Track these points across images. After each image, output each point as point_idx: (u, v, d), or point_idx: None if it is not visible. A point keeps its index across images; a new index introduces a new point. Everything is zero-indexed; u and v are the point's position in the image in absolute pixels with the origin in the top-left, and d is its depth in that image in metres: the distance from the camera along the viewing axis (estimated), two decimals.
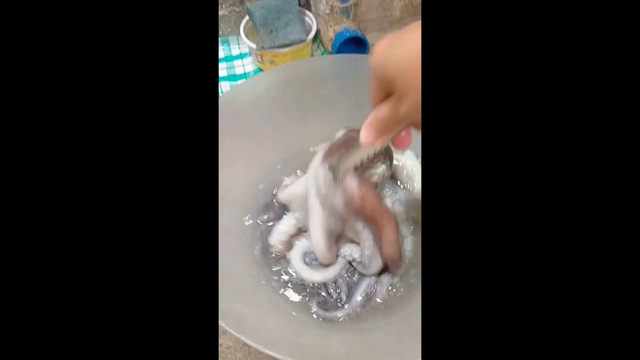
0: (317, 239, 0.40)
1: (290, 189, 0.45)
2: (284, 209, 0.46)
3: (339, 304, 0.40)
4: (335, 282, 0.42)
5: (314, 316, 0.40)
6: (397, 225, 0.39)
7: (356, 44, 0.56)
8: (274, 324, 0.39)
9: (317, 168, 0.39)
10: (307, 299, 0.41)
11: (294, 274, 0.42)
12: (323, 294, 0.41)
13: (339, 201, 0.38)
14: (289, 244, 0.44)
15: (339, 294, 0.41)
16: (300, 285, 0.42)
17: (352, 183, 0.38)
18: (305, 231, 0.43)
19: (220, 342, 0.47)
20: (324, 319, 0.39)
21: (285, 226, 0.44)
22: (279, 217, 0.45)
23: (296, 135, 0.51)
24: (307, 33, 0.54)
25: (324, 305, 0.40)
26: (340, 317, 0.39)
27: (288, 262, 0.43)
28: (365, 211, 0.38)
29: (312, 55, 0.58)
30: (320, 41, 0.59)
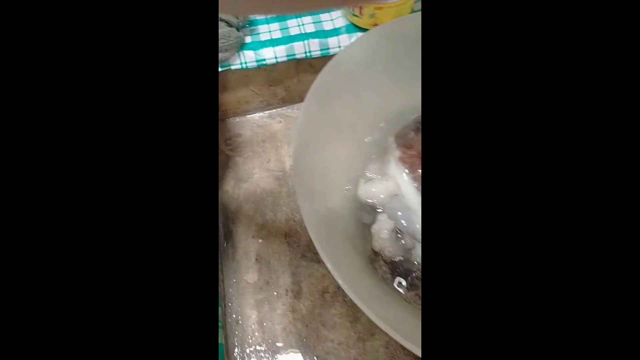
0: None
1: (372, 187, 0.41)
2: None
3: None
4: None
5: None
6: None
7: None
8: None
9: (400, 175, 0.40)
10: None
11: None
12: None
13: None
14: (399, 244, 0.38)
15: None
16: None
17: None
18: (405, 230, 0.39)
19: (331, 338, 0.42)
20: None
21: (383, 229, 0.39)
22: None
23: (402, 95, 0.46)
24: None
25: None
26: None
27: (412, 260, 0.38)
28: None
29: (412, 8, 0.50)
30: None
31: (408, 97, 0.47)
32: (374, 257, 0.38)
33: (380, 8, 0.46)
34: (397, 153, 0.42)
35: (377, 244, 0.38)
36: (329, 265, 0.30)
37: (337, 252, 0.34)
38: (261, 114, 0.56)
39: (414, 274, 0.37)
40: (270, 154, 0.54)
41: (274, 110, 0.57)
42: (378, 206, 0.41)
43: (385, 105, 0.46)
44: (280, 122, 0.56)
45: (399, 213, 0.39)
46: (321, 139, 0.39)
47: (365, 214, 0.41)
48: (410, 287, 0.37)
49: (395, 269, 0.37)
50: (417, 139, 0.42)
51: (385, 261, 0.38)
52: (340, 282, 0.29)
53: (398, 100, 0.46)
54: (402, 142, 0.43)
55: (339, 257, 0.34)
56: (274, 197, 0.51)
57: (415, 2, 0.51)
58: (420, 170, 0.40)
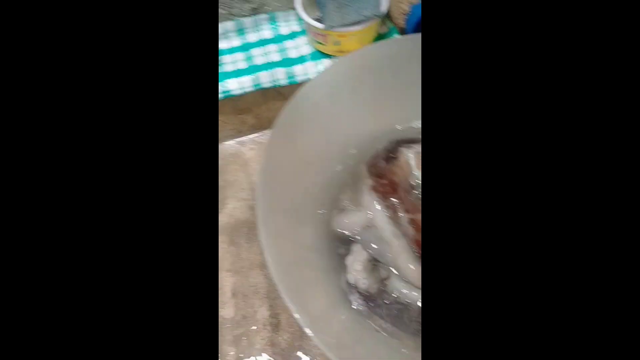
0: (406, 268, 0.37)
1: (345, 219, 0.42)
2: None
3: None
4: None
5: None
6: None
7: None
8: None
9: (373, 205, 0.40)
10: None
11: (397, 297, 0.37)
12: None
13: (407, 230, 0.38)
14: (374, 276, 0.38)
15: None
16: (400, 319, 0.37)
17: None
18: (379, 261, 0.39)
19: None
20: None
21: (357, 260, 0.39)
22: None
23: (371, 121, 0.47)
24: (378, 6, 0.47)
25: None
26: None
27: (387, 291, 0.38)
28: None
29: (378, 32, 0.50)
30: (389, 15, 0.51)
31: (377, 123, 0.47)
32: (348, 289, 0.38)
33: (344, 36, 0.46)
34: (369, 182, 0.42)
35: (352, 276, 0.38)
36: (292, 309, 0.30)
37: (305, 290, 0.34)
38: (231, 142, 0.56)
39: (389, 305, 0.37)
40: (243, 183, 0.53)
41: (245, 137, 0.56)
42: (352, 237, 0.40)
43: (355, 132, 0.46)
44: (252, 149, 0.55)
45: (373, 245, 0.39)
46: (288, 173, 0.39)
47: (339, 244, 0.41)
48: (385, 318, 0.37)
49: (371, 300, 0.37)
50: (388, 168, 0.43)
51: (360, 293, 0.38)
52: (303, 325, 0.29)
53: (367, 126, 0.46)
54: (374, 171, 0.43)
55: (306, 296, 0.34)
56: (248, 227, 0.51)
57: (380, 26, 0.52)
58: (392, 199, 0.41)
